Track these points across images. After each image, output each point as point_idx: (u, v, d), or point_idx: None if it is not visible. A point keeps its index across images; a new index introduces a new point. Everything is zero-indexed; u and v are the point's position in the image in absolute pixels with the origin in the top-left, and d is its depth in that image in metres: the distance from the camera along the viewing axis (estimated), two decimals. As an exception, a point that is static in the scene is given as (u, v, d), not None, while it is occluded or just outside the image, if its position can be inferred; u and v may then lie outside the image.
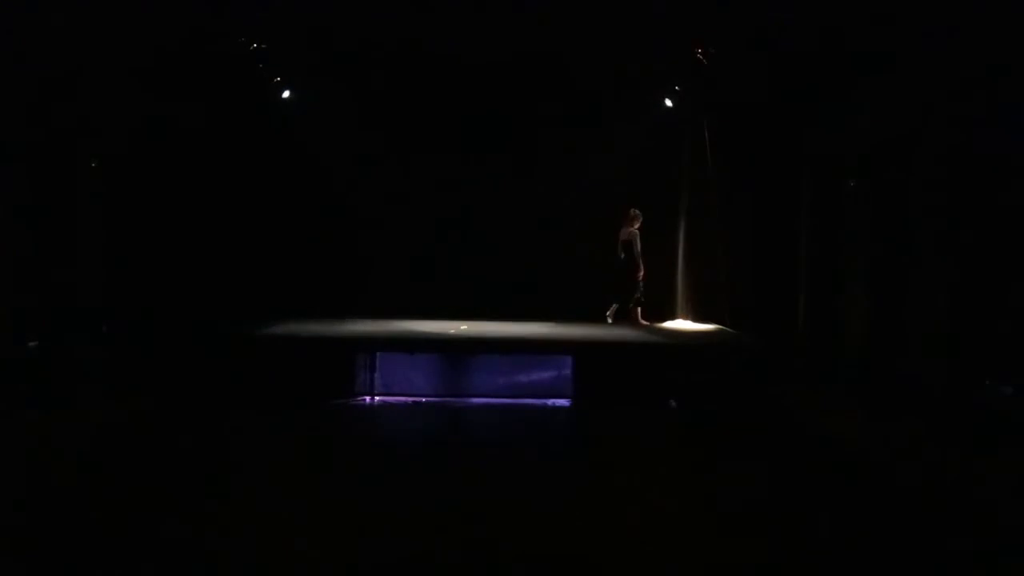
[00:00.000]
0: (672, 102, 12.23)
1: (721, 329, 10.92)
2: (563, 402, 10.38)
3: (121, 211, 10.97)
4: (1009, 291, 8.55)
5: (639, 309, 11.73)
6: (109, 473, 6.74)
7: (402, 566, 4.87)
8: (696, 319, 11.72)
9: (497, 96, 12.22)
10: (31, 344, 9.98)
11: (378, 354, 10.75)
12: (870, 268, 9.88)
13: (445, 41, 11.17)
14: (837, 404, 9.20)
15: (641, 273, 11.66)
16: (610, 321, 11.82)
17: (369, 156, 12.50)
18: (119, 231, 10.94)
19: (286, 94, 11.96)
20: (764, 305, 10.67)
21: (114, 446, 7.71)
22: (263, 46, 11.16)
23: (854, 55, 9.76)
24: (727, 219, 11.41)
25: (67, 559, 4.90)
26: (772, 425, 8.82)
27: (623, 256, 11.76)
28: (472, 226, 12.40)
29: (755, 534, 5.52)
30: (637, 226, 11.73)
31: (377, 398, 10.58)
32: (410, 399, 10.50)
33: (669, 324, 11.51)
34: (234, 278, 11.22)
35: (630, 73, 11.99)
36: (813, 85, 10.26)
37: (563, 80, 12.02)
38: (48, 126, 10.49)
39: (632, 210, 11.83)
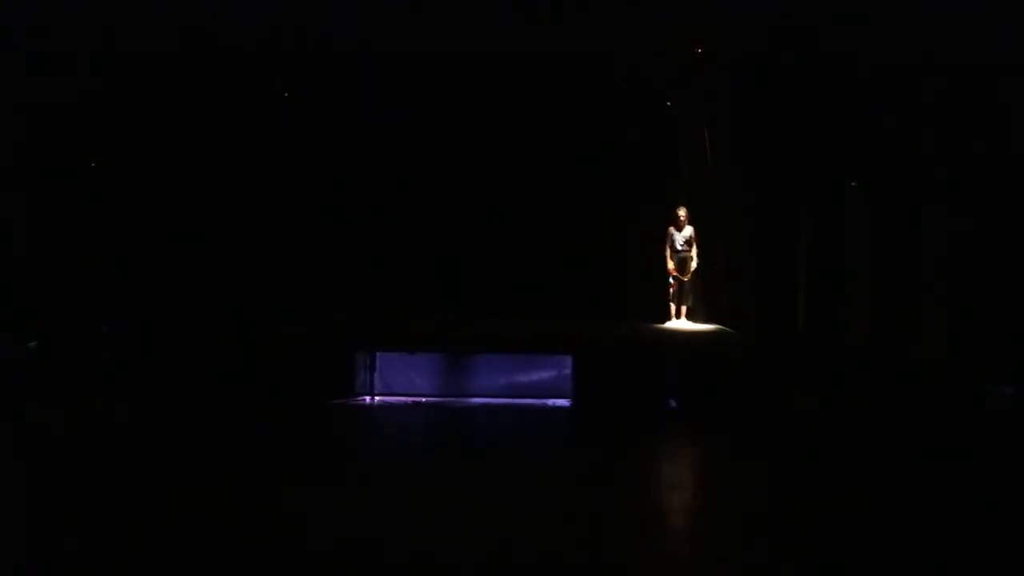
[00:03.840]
0: (672, 102, 12.21)
1: (721, 329, 10.91)
2: (563, 402, 10.39)
3: (121, 211, 10.96)
4: (1010, 291, 8.56)
5: (673, 307, 11.43)
6: (109, 472, 6.75)
7: (402, 565, 4.87)
8: (696, 319, 11.70)
9: (497, 95, 12.20)
10: (31, 344, 9.98)
11: (378, 354, 10.76)
12: (870, 268, 9.86)
13: (443, 41, 11.17)
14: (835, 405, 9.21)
15: (669, 269, 11.29)
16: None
17: (370, 155, 12.47)
18: (119, 231, 10.93)
19: (287, 93, 11.95)
20: (764, 305, 10.66)
21: (114, 445, 7.72)
22: (264, 46, 11.14)
23: (844, 54, 9.80)
24: (727, 219, 11.39)
25: (67, 557, 4.90)
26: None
27: None
28: (472, 226, 12.37)
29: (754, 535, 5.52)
30: (676, 224, 11.29)
31: (377, 398, 10.58)
32: (410, 399, 10.50)
33: (669, 324, 11.50)
34: (234, 278, 11.21)
35: (630, 72, 11.97)
36: (814, 84, 10.26)
37: (562, 80, 12.00)
38: (48, 127, 10.50)
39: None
